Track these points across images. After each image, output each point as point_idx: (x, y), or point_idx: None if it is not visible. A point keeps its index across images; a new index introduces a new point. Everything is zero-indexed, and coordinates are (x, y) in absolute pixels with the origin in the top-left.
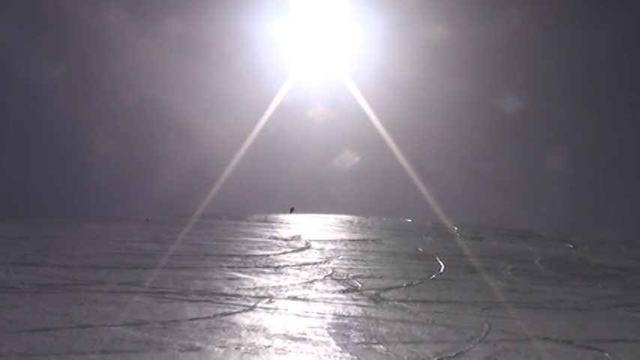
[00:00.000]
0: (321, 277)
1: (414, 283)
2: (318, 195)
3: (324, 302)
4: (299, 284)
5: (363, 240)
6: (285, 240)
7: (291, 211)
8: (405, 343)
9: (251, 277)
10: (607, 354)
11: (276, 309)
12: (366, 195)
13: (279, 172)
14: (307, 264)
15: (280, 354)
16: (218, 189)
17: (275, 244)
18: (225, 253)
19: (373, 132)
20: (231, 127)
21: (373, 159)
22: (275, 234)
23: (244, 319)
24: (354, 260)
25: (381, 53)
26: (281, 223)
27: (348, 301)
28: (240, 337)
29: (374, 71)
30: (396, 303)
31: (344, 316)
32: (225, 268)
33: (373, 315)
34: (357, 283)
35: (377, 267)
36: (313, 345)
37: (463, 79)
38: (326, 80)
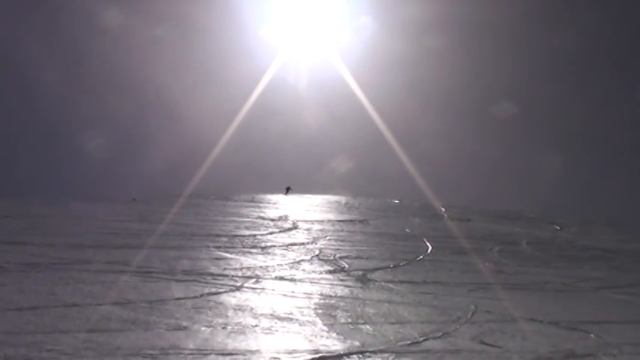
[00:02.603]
0: (308, 257)
1: (401, 264)
2: (306, 175)
3: (310, 283)
4: (286, 264)
5: (351, 221)
6: (272, 220)
7: (287, 190)
8: (391, 323)
9: (238, 257)
10: (592, 335)
11: (262, 289)
12: (355, 176)
13: (267, 152)
14: (294, 244)
15: (267, 333)
16: (206, 169)
17: (262, 225)
18: (212, 233)
19: (363, 112)
20: (220, 106)
21: (362, 139)
22: (262, 214)
23: (231, 299)
24: (341, 241)
25: (370, 31)
26: (268, 203)
27: (335, 282)
28: (226, 316)
29: (363, 50)
30: (383, 284)
31: (331, 296)
32: (212, 248)
33: (360, 295)
34: (344, 264)
35: (364, 248)
36: (300, 325)
37: (453, 58)
38: (315, 59)
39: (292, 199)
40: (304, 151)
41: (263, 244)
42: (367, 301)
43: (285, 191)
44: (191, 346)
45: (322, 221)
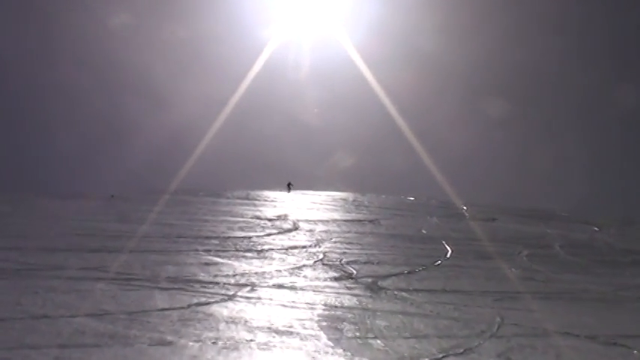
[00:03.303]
0: (311, 262)
1: (417, 269)
2: (308, 169)
3: (313, 291)
4: (285, 270)
5: (359, 221)
6: (270, 220)
7: (289, 187)
8: (405, 337)
9: (230, 262)
10: (635, 351)
11: (258, 298)
12: (363, 169)
13: (264, 143)
14: (295, 247)
15: (263, 349)
16: (194, 162)
17: (258, 225)
18: (202, 235)
19: (371, 96)
20: (211, 91)
21: (371, 128)
22: (258, 213)
23: (222, 310)
24: (349, 243)
25: (380, 4)
26: (265, 200)
27: (341, 290)
28: (217, 330)
29: (370, 26)
30: (396, 292)
31: (336, 307)
32: (201, 252)
33: (370, 306)
34: (351, 270)
35: (374, 251)
36: (301, 339)
37: (477, 35)
38: (318, 36)
39: (292, 196)
40: (306, 142)
41: (259, 248)
42: (378, 313)
43: (287, 188)
44: None
45: (327, 221)
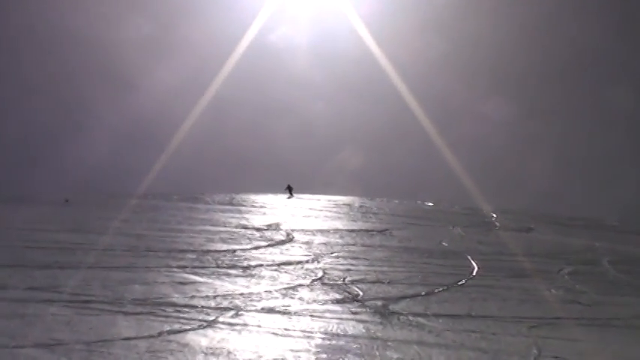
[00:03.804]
0: (308, 281)
1: (436, 290)
2: (306, 169)
3: (311, 316)
4: (277, 291)
5: (367, 231)
6: (259, 230)
7: (289, 191)
8: None
9: (210, 280)
10: None
11: (244, 325)
12: (372, 169)
13: (252, 137)
14: (288, 263)
15: None
16: (167, 159)
17: (244, 236)
18: (176, 248)
19: (382, 80)
20: (188, 73)
21: (381, 119)
22: (245, 221)
23: (200, 339)
24: (354, 259)
25: None
26: (253, 206)
27: (344, 315)
28: None
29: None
30: (411, 318)
31: (338, 335)
32: (175, 269)
33: (379, 334)
34: (357, 291)
35: (385, 268)
36: None
37: (509, 13)
38: (320, 8)
39: (286, 201)
40: (302, 135)
41: (245, 263)
42: (389, 343)
43: (287, 192)
44: None
45: (327, 231)
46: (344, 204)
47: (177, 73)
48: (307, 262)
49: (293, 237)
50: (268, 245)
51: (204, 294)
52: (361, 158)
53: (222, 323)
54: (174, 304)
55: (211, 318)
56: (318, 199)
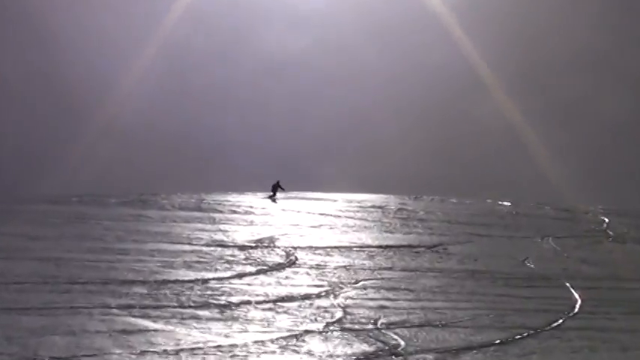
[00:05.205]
0: (320, 325)
1: (518, 337)
2: (309, 157)
3: None
4: (273, 342)
5: (410, 247)
6: (243, 248)
7: (275, 190)
8: None
9: (170, 327)
10: None
11: None
12: (415, 154)
13: (229, 113)
14: (290, 299)
15: None
16: (99, 143)
17: (221, 258)
18: (115, 278)
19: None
20: (134, 26)
21: (427, 80)
22: (221, 236)
23: None
24: (390, 290)
25: None
26: (233, 211)
27: None
28: None
29: None
30: None
31: None
32: (115, 310)
33: None
34: (395, 340)
35: (438, 304)
36: None
37: None
38: None
39: (283, 202)
40: (301, 105)
41: (223, 300)
42: None
43: (272, 191)
44: None
45: (348, 249)
46: (373, 206)
47: (112, 30)
48: (319, 296)
49: (296, 258)
50: (258, 272)
51: (160, 348)
52: (397, 140)
53: None
54: None
55: None
56: (334, 200)
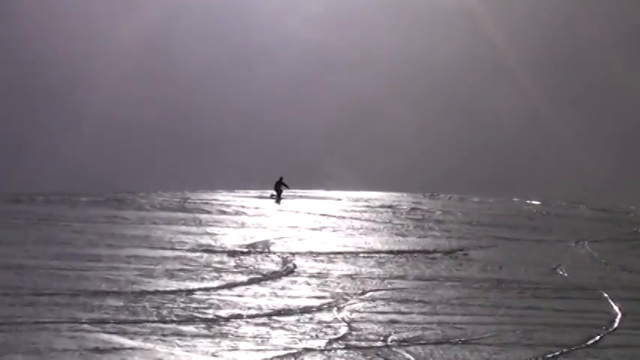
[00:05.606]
0: (322, 342)
1: (548, 355)
2: (310, 149)
3: None
4: None
5: (425, 252)
6: (233, 254)
7: (279, 188)
8: None
9: (150, 345)
10: None
11: None
12: (425, 147)
13: (221, 100)
14: (287, 312)
15: None
16: (68, 134)
17: (208, 266)
18: (86, 289)
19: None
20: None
21: (444, 62)
22: (208, 240)
23: None
24: (402, 302)
25: None
26: (222, 212)
27: None
28: None
29: None
30: None
31: None
32: (86, 326)
33: None
34: (407, 358)
35: (457, 318)
36: None
37: None
38: None
39: (281, 203)
40: (300, 91)
41: (210, 314)
42: None
43: (275, 190)
44: None
45: (354, 255)
46: (383, 206)
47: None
48: (320, 309)
49: (294, 265)
50: (251, 281)
51: None
52: (411, 131)
53: None
54: None
55: None
56: (338, 199)
